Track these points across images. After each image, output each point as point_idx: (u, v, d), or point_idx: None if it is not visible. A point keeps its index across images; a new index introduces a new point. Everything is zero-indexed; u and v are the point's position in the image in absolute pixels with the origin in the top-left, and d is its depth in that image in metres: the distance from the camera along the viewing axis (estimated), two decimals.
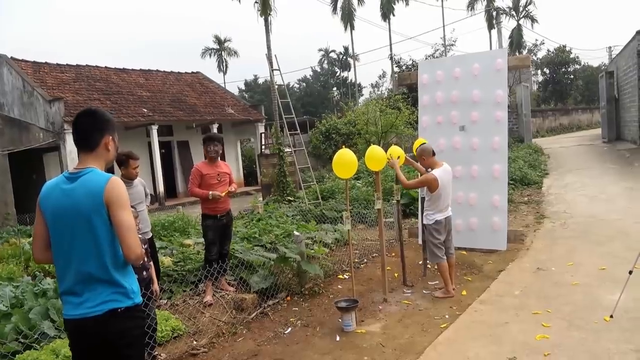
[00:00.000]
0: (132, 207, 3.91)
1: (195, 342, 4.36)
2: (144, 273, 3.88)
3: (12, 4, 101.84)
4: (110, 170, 2.38)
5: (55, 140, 14.61)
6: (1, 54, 17.32)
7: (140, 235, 4.00)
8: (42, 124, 15.18)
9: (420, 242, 6.66)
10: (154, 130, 17.18)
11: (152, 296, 3.93)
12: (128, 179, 4.66)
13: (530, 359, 3.57)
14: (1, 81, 17.20)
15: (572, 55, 41.19)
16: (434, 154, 5.27)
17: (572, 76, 42.24)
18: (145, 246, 3.95)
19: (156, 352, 4.02)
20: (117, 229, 2.19)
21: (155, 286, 4.08)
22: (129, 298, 2.27)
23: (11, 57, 17.25)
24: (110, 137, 2.36)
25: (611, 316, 4.07)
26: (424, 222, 5.29)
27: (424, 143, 5.40)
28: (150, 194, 4.96)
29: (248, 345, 4.31)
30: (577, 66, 42.82)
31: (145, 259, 3.91)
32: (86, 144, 2.31)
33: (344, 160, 4.70)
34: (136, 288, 2.34)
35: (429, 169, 5.26)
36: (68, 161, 14.69)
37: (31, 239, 9.31)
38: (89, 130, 2.31)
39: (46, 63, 18.36)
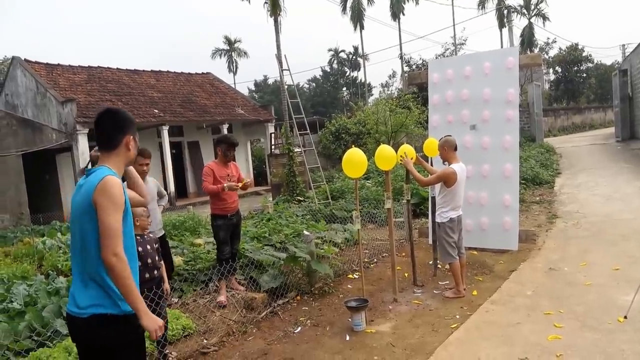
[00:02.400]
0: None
1: (205, 341, 4.38)
2: (155, 272, 3.90)
3: (26, 6, 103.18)
4: None
5: (68, 141, 14.77)
6: (15, 56, 17.59)
7: (150, 234, 4.05)
8: (55, 125, 15.35)
9: (430, 242, 6.63)
10: (165, 130, 17.30)
11: (162, 295, 3.95)
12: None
13: (541, 359, 3.53)
14: (15, 83, 17.44)
15: (584, 54, 40.74)
16: (455, 148, 5.23)
17: (584, 74, 41.78)
18: (157, 245, 3.97)
19: (167, 350, 4.05)
20: (99, 229, 2.14)
21: (166, 285, 4.10)
22: (116, 306, 2.21)
23: (25, 59, 17.48)
24: (131, 137, 2.38)
25: (625, 317, 4.01)
26: (437, 220, 5.22)
27: (449, 135, 5.34)
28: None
29: (258, 344, 4.32)
30: (590, 64, 42.36)
31: (157, 258, 3.93)
32: (107, 144, 2.33)
33: (354, 160, 4.69)
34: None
35: (446, 162, 5.23)
36: (80, 162, 14.83)
37: (45, 238, 9.45)
38: (111, 129, 2.33)
39: (59, 65, 18.58)
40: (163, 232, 4.98)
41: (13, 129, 13.63)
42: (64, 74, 18.05)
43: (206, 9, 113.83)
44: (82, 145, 15.03)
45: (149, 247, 3.85)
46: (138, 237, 3.73)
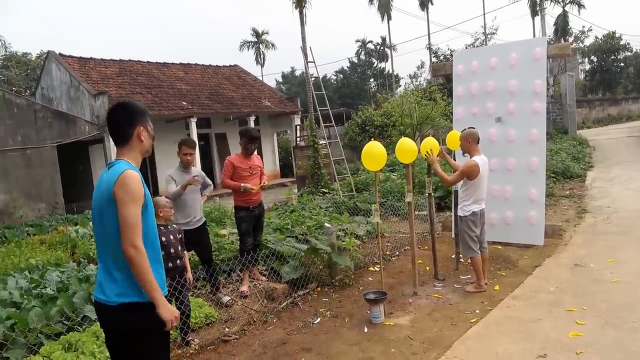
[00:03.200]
0: (166, 197, 4.09)
1: (227, 329, 4.50)
2: (178, 261, 4.04)
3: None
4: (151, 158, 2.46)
5: (100, 133, 15.19)
6: (50, 50, 18.14)
7: (175, 225, 4.18)
8: (87, 117, 15.81)
9: (453, 235, 6.57)
10: (193, 123, 17.57)
11: (185, 283, 4.08)
12: (183, 163, 5.01)
13: (561, 357, 3.48)
14: (50, 77, 18.02)
15: (622, 42, 39.21)
16: (478, 141, 5.13)
17: (622, 64, 40.22)
18: (180, 235, 4.10)
19: (190, 337, 4.18)
20: (119, 222, 2.20)
21: (189, 274, 4.23)
22: (142, 293, 2.27)
23: (59, 54, 18.02)
24: (142, 127, 2.39)
25: None
26: (459, 213, 5.13)
27: (472, 127, 5.19)
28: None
29: (278, 334, 4.41)
30: (628, 53, 40.74)
31: (179, 248, 4.06)
32: (119, 138, 2.38)
33: (373, 153, 4.70)
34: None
35: (466, 154, 5.15)
36: (112, 153, 15.23)
37: (78, 227, 9.80)
38: (120, 123, 2.37)
39: (91, 58, 19.06)
40: (204, 220, 5.12)
41: (48, 121, 14.10)
42: (96, 68, 18.53)
43: (235, 2, 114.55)
44: None
45: (172, 237, 3.99)
46: (162, 228, 3.90)
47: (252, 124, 19.71)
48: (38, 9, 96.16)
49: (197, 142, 17.24)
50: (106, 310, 2.30)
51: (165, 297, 2.34)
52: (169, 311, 2.28)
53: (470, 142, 5.05)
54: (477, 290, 4.99)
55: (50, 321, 4.33)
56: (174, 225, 4.21)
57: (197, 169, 5.30)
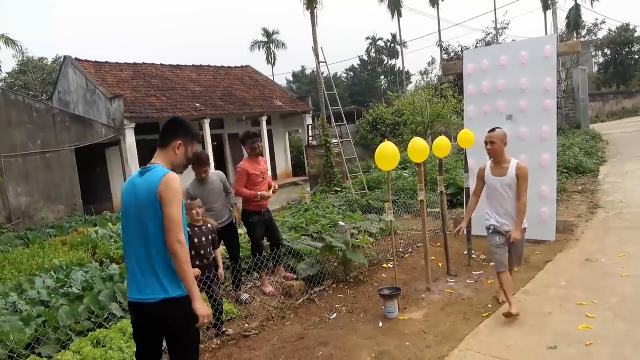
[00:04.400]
0: (194, 198, 4.37)
1: (247, 325, 4.67)
2: (205, 261, 4.41)
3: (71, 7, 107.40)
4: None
5: (116, 136, 15.50)
6: (67, 55, 18.52)
7: (209, 225, 4.48)
8: (104, 120, 16.13)
9: (465, 232, 6.67)
10: (207, 124, 17.82)
11: (214, 279, 4.32)
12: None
13: (571, 349, 3.59)
14: (67, 81, 18.40)
15: (636, 34, 38.65)
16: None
17: (636, 56, 39.65)
18: (212, 236, 4.40)
19: (225, 329, 4.49)
20: (164, 222, 2.39)
21: (220, 270, 4.51)
22: (182, 289, 2.46)
23: (75, 58, 18.39)
24: (180, 143, 2.60)
25: None
26: (523, 226, 4.36)
27: (499, 128, 4.48)
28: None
29: (295, 329, 4.57)
30: None
31: (208, 250, 4.37)
32: (161, 142, 2.62)
33: (386, 153, 4.83)
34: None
35: (494, 158, 4.41)
36: (128, 155, 15.56)
37: (97, 228, 10.05)
38: (166, 130, 2.63)
39: (106, 62, 19.41)
40: (230, 220, 5.20)
41: (67, 125, 14.43)
42: (112, 71, 18.87)
43: (245, 2, 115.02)
44: (130, 139, 15.73)
45: (204, 238, 4.34)
46: (196, 229, 4.27)
47: (264, 124, 19.91)
48: (52, 14, 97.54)
49: (209, 147, 17.62)
50: (146, 309, 2.45)
51: (187, 296, 2.48)
52: (204, 307, 2.46)
53: (505, 144, 4.43)
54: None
55: (79, 319, 4.54)
56: (209, 226, 4.45)
57: (218, 172, 5.35)
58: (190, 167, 4.85)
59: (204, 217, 4.44)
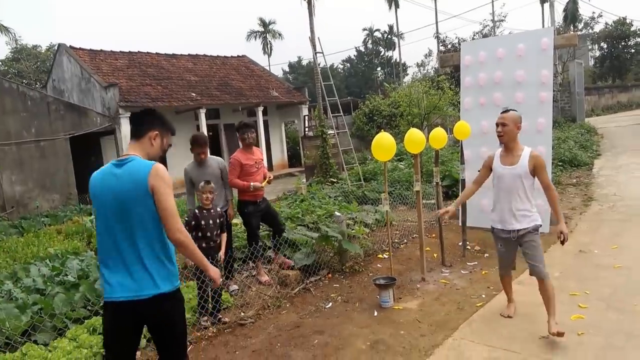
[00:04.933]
0: (208, 182, 4.45)
1: (242, 314, 4.70)
2: (211, 243, 4.44)
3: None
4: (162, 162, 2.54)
5: (111, 125, 15.41)
6: (61, 43, 18.35)
7: (218, 209, 4.56)
8: (98, 109, 16.03)
9: (460, 223, 6.72)
10: (202, 113, 17.75)
11: (215, 264, 4.35)
12: (196, 161, 5.15)
13: (563, 338, 3.63)
14: (61, 69, 18.24)
15: (633, 28, 38.71)
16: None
17: (632, 50, 39.74)
18: (220, 219, 4.53)
19: (220, 316, 4.53)
20: (161, 212, 2.32)
21: (221, 252, 4.57)
22: (171, 283, 2.42)
23: (70, 46, 18.22)
24: (156, 133, 2.52)
25: None
26: (539, 223, 3.90)
27: (514, 110, 3.95)
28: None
29: (291, 318, 4.60)
30: (639, 39, 40.20)
31: (215, 232, 4.47)
32: (134, 132, 2.54)
33: (383, 144, 4.84)
34: (177, 271, 2.50)
35: (505, 143, 3.88)
36: (123, 144, 15.48)
37: (92, 217, 10.05)
38: (140, 121, 2.55)
39: (101, 50, 19.25)
40: (226, 207, 5.25)
41: (61, 113, 14.33)
42: (106, 60, 18.72)
43: None
44: (125, 128, 15.64)
45: (211, 221, 4.44)
46: (204, 211, 4.41)
47: (260, 115, 19.85)
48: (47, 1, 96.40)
49: (207, 135, 17.59)
50: (137, 307, 2.34)
51: (178, 288, 2.51)
52: (216, 271, 2.59)
53: (519, 128, 3.89)
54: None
55: (75, 306, 4.56)
56: (218, 209, 4.54)
57: (218, 159, 5.36)
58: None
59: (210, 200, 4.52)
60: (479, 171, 4.26)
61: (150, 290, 2.35)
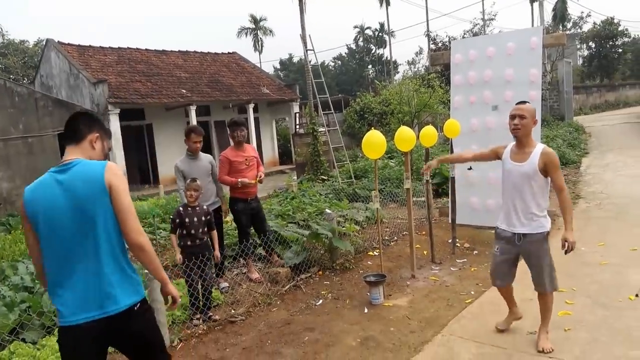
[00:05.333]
0: (194, 180, 4.42)
1: (233, 311, 4.70)
2: (197, 241, 4.42)
3: None
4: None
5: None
6: (49, 38, 18.14)
7: (204, 207, 4.49)
8: (87, 105, 15.89)
9: (450, 221, 6.77)
10: (193, 110, 17.66)
11: (207, 262, 4.40)
12: (190, 152, 5.13)
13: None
14: (50, 64, 18.04)
15: (620, 28, 39.18)
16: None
17: (620, 50, 40.21)
18: (206, 217, 4.47)
19: (211, 313, 4.53)
20: (118, 213, 2.12)
21: (216, 252, 4.58)
22: (138, 293, 2.23)
23: (58, 41, 18.02)
24: (97, 136, 2.33)
25: (637, 295, 4.13)
26: (546, 229, 3.56)
27: (529, 102, 3.67)
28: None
29: (282, 315, 4.61)
30: (626, 39, 40.72)
31: (200, 230, 4.42)
32: (72, 136, 2.29)
33: (373, 142, 4.87)
34: (141, 280, 2.32)
35: (520, 138, 3.50)
36: (112, 141, 15.37)
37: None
38: (78, 124, 2.31)
39: (90, 46, 19.06)
40: (217, 204, 5.27)
41: (49, 109, 14.18)
42: (95, 55, 18.54)
43: None
44: (114, 125, 15.53)
45: (195, 219, 4.38)
46: (189, 209, 4.33)
47: (251, 112, 19.81)
48: None
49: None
50: (101, 326, 2.12)
51: (145, 297, 2.33)
52: (175, 288, 2.36)
53: (535, 122, 3.56)
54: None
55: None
56: (204, 207, 4.49)
57: (207, 155, 5.36)
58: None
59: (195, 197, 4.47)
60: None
61: (115, 306, 2.13)
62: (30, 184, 2.20)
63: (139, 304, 2.22)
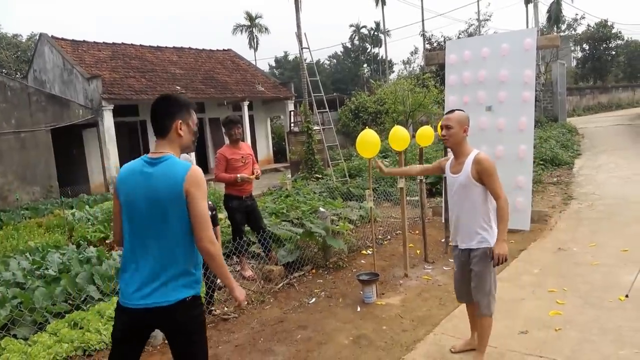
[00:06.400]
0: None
1: (226, 309, 4.70)
2: None
3: None
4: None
5: (94, 117, 15.20)
6: (42, 32, 18.00)
7: (209, 202, 4.51)
8: (81, 101, 15.78)
9: (443, 220, 6.80)
10: None
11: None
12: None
13: (541, 333, 3.73)
14: (43, 59, 17.90)
15: (614, 30, 39.44)
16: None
17: (613, 52, 40.49)
18: (213, 212, 4.38)
19: (212, 308, 4.54)
20: (193, 219, 2.19)
21: None
22: (194, 288, 2.30)
23: (51, 36, 17.88)
24: (180, 122, 2.32)
25: (627, 295, 4.16)
26: (489, 245, 3.21)
27: (461, 110, 3.43)
28: None
29: (275, 313, 4.62)
30: (620, 41, 40.99)
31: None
32: (158, 130, 2.33)
33: (367, 140, 4.88)
34: (200, 276, 2.38)
35: (451, 149, 3.37)
36: (106, 137, 15.30)
37: (74, 210, 9.91)
38: (160, 115, 2.33)
39: (84, 41, 18.93)
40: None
41: (42, 104, 14.08)
42: (89, 51, 18.42)
43: None
44: (108, 121, 15.44)
45: None
46: None
47: (245, 110, 19.76)
48: None
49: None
50: (152, 314, 2.23)
51: (199, 295, 2.38)
52: (242, 292, 2.41)
53: (466, 130, 3.30)
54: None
55: (55, 300, 4.50)
56: (209, 203, 4.49)
57: (186, 156, 5.36)
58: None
59: None
60: None
61: (172, 297, 2.22)
62: (129, 163, 2.35)
63: (188, 300, 2.27)
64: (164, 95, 2.45)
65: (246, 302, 2.47)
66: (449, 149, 3.47)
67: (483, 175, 3.14)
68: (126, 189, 2.28)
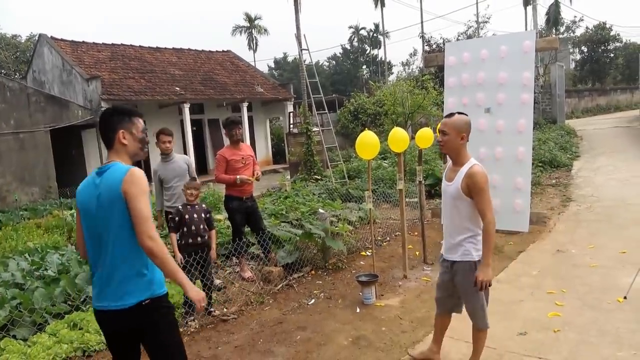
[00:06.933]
0: (194, 179, 4.44)
1: (225, 310, 4.70)
2: (198, 239, 4.44)
3: None
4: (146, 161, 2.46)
5: (93, 118, 15.18)
6: (42, 33, 18.00)
7: (203, 205, 4.53)
8: (80, 101, 15.78)
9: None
10: (186, 108, 17.59)
11: (207, 259, 4.46)
12: (162, 153, 5.19)
13: (540, 335, 3.74)
14: (42, 60, 17.90)
15: (612, 33, 39.53)
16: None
17: (611, 54, 40.57)
18: (206, 215, 4.50)
19: (212, 308, 4.58)
20: (132, 217, 2.22)
21: (213, 252, 4.58)
22: (150, 289, 2.32)
23: (51, 37, 17.88)
24: (122, 131, 2.38)
25: (625, 297, 4.17)
26: (472, 259, 3.06)
27: (462, 114, 3.13)
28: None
29: (274, 314, 4.62)
30: (618, 44, 41.07)
31: (201, 227, 4.46)
32: (105, 143, 2.42)
33: (367, 142, 4.89)
34: (159, 278, 2.38)
35: (448, 155, 3.19)
36: None
37: (73, 211, 9.92)
38: (104, 129, 2.41)
39: (83, 42, 18.94)
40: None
41: (41, 105, 14.07)
42: (89, 52, 18.43)
43: None
44: None
45: (195, 216, 4.41)
46: (188, 207, 4.40)
47: (245, 111, 19.77)
48: None
49: (189, 132, 17.44)
50: (118, 315, 2.29)
51: (165, 294, 2.40)
52: (197, 293, 2.35)
53: (464, 137, 3.06)
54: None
55: (55, 301, 4.50)
56: (203, 205, 4.53)
57: (184, 156, 5.44)
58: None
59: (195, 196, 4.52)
60: None
61: (127, 300, 2.27)
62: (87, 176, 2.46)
63: (149, 301, 2.30)
64: (107, 108, 2.52)
65: (204, 304, 2.39)
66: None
67: (472, 190, 2.95)
68: (82, 200, 2.39)
